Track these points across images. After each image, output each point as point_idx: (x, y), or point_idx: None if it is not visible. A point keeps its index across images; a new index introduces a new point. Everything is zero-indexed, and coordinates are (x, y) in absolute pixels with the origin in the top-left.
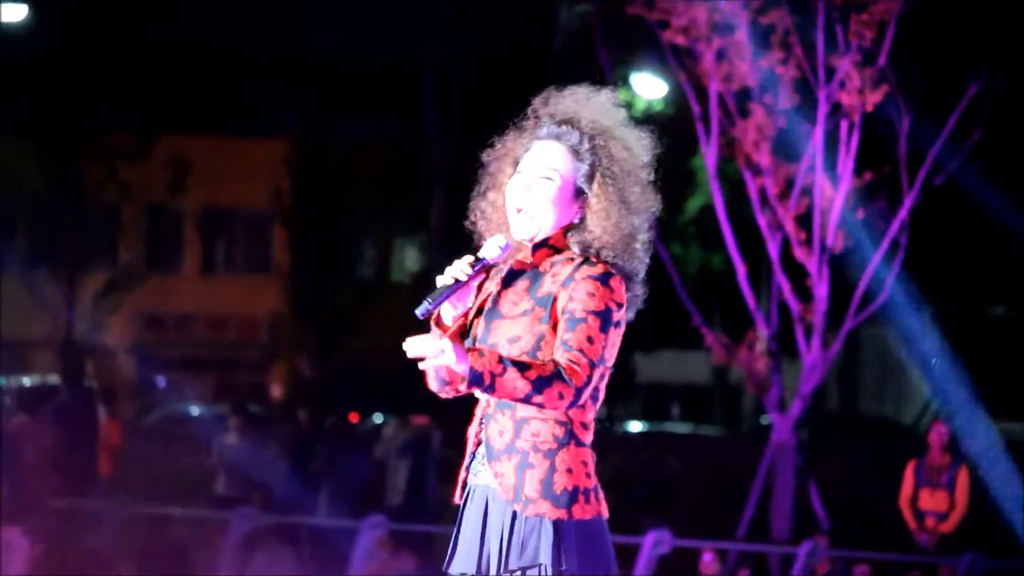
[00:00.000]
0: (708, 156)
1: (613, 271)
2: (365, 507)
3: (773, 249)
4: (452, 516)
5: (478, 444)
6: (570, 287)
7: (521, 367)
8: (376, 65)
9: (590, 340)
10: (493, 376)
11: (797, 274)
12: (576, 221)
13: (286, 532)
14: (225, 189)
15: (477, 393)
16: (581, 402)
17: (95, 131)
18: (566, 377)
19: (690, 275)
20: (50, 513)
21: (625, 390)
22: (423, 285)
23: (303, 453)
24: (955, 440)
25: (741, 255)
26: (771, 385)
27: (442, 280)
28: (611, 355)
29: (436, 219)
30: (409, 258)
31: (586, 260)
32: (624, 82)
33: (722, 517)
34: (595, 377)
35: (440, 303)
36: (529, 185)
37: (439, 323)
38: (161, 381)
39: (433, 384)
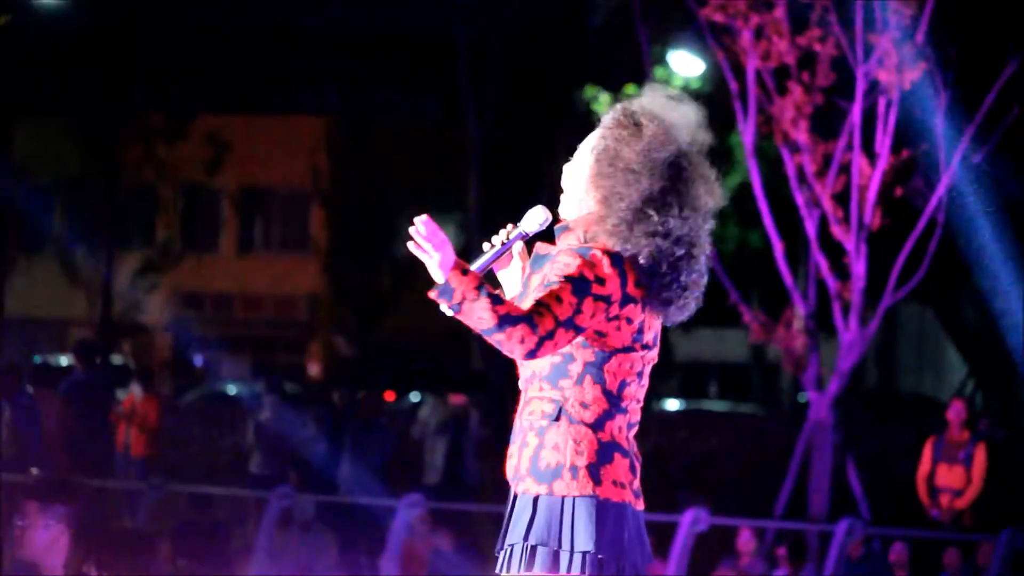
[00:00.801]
0: (746, 134)
1: (596, 246)
2: (401, 485)
3: (811, 227)
4: (488, 495)
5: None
6: (553, 258)
7: (495, 300)
8: (414, 43)
9: (558, 299)
10: (463, 298)
11: (835, 252)
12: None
13: (324, 510)
14: (262, 168)
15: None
16: (539, 354)
17: (132, 111)
18: (532, 324)
19: (728, 252)
20: (82, 491)
21: (662, 368)
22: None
23: (338, 431)
24: (974, 417)
25: (779, 233)
26: (809, 363)
27: (486, 247)
28: (585, 325)
29: (473, 197)
30: (447, 236)
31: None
32: (662, 60)
33: (760, 495)
34: (559, 335)
35: (483, 268)
36: (567, 165)
37: None
38: (199, 360)
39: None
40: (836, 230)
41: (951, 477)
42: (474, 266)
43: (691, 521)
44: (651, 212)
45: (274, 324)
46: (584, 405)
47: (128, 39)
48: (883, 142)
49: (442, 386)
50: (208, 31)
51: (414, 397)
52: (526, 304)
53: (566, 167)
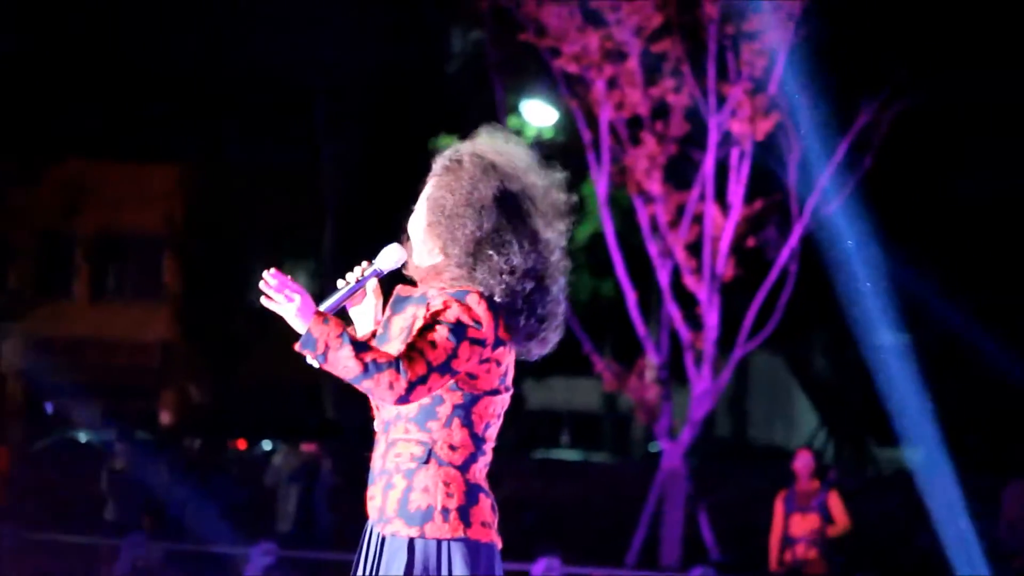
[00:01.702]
0: (599, 184)
1: (473, 290)
2: (254, 533)
3: (663, 277)
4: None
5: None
6: (426, 304)
7: (359, 347)
8: (270, 90)
9: (432, 344)
10: (327, 347)
11: (688, 302)
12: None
13: (177, 558)
14: (117, 214)
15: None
16: (411, 399)
17: None
18: (400, 369)
19: (581, 302)
20: None
21: (514, 417)
22: None
23: (188, 479)
24: (822, 466)
25: (631, 282)
26: (661, 413)
27: (340, 284)
28: (461, 368)
29: (328, 244)
30: (301, 284)
31: (458, 290)
32: (516, 109)
33: (612, 544)
34: (432, 380)
35: (335, 308)
36: (411, 216)
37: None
38: (49, 407)
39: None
40: (689, 280)
41: (805, 525)
42: (326, 304)
43: (543, 570)
44: (490, 252)
45: (127, 371)
46: (452, 447)
47: None
48: (736, 192)
49: (295, 434)
50: (65, 77)
51: (267, 445)
52: (393, 348)
53: (410, 218)
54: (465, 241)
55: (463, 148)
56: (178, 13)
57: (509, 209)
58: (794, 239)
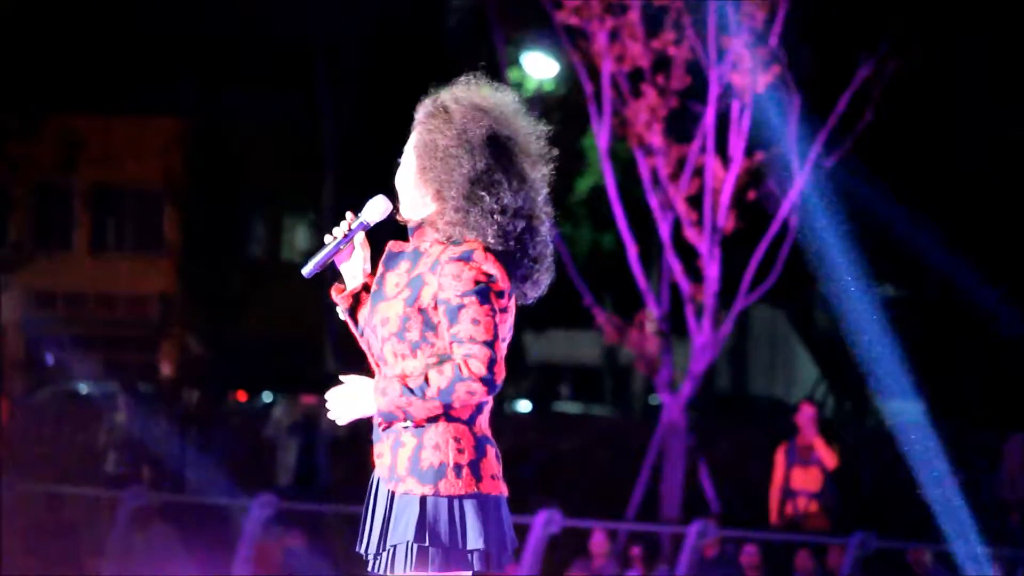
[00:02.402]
0: (600, 136)
1: (477, 246)
2: (253, 485)
3: (664, 230)
4: (341, 495)
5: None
6: (437, 272)
7: (423, 388)
8: (270, 43)
9: (476, 322)
10: (405, 412)
11: (688, 255)
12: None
13: (176, 510)
14: (116, 168)
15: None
16: (499, 384)
17: None
18: (466, 375)
19: (581, 255)
20: None
21: (515, 370)
22: None
23: (187, 431)
24: (824, 419)
25: (632, 235)
26: (662, 366)
27: (327, 240)
28: (503, 327)
29: (327, 198)
30: (300, 237)
31: (453, 241)
32: (516, 62)
33: (612, 497)
34: (498, 354)
35: (322, 264)
36: (398, 169)
37: (337, 284)
38: (49, 359)
39: None
40: (689, 233)
41: (806, 479)
42: (314, 260)
43: (544, 522)
44: (482, 192)
45: (127, 323)
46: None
47: None
48: (736, 145)
49: (295, 386)
50: (62, 29)
51: (267, 397)
52: (391, 308)
53: (398, 170)
54: (461, 181)
55: (445, 95)
56: None
57: (499, 149)
58: (794, 192)
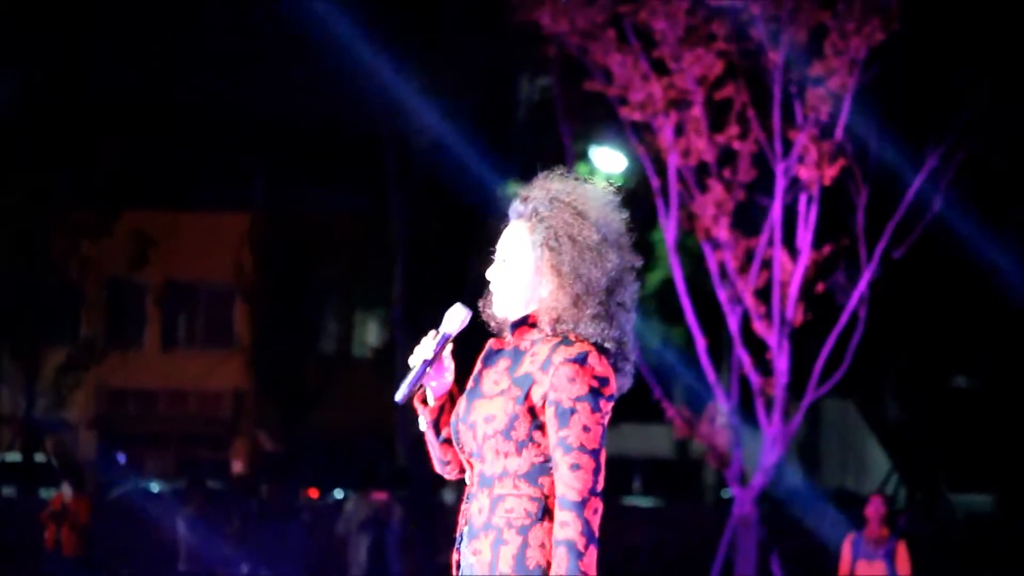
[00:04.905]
0: (667, 230)
1: (589, 347)
2: None
3: (733, 322)
4: None
5: (465, 523)
6: (549, 372)
7: (574, 557)
8: (339, 138)
9: (586, 429)
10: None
11: (757, 347)
12: (543, 296)
13: None
14: (186, 263)
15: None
16: (600, 488)
17: (57, 205)
18: (580, 500)
19: (651, 348)
20: None
21: None
22: (385, 359)
23: (260, 527)
24: (893, 513)
25: (701, 328)
26: (732, 458)
27: (412, 361)
28: (606, 432)
29: (397, 292)
30: (371, 332)
31: (564, 340)
32: (584, 156)
33: None
34: (601, 463)
35: (415, 386)
36: (495, 269)
37: (424, 402)
38: (122, 457)
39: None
40: (758, 326)
41: (871, 572)
42: (405, 383)
43: None
44: (615, 290)
45: (198, 420)
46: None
47: (52, 132)
48: (804, 238)
49: (366, 482)
50: (134, 126)
51: (338, 494)
52: (489, 406)
53: (492, 268)
54: (599, 277)
55: (556, 186)
56: (244, 60)
57: (623, 247)
58: (863, 284)
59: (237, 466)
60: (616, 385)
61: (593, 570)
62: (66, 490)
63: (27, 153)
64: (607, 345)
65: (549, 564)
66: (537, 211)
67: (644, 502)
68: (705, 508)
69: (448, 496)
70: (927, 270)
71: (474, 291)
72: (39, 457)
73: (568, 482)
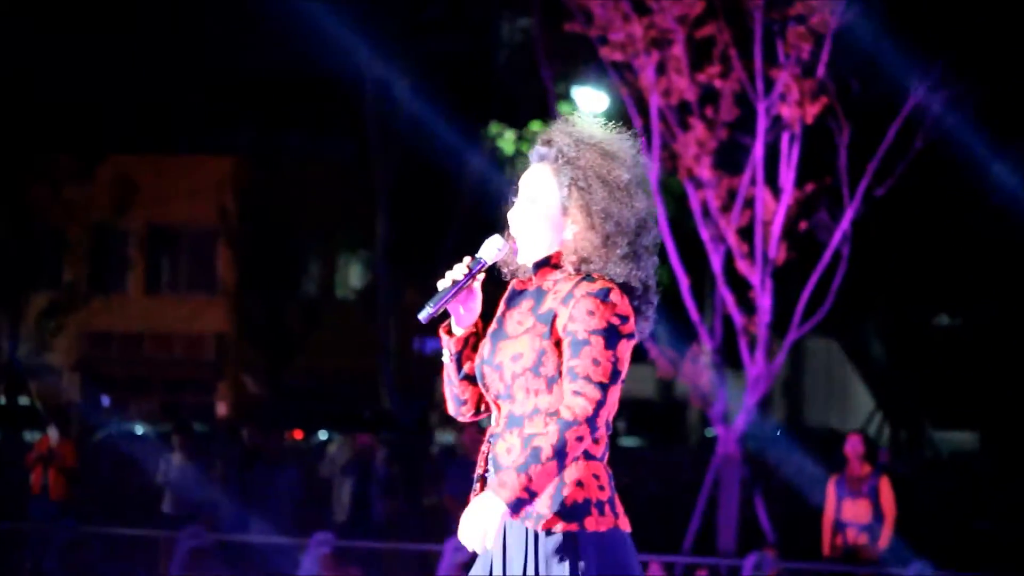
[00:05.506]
0: (650, 170)
1: (613, 285)
2: (310, 523)
3: (716, 262)
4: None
5: (487, 463)
6: (570, 304)
7: (533, 457)
8: (321, 83)
9: (596, 362)
10: (528, 490)
11: (740, 287)
12: (568, 237)
13: (232, 550)
14: (170, 208)
15: (490, 417)
16: (600, 423)
17: (39, 152)
18: (570, 419)
19: None
20: None
21: None
22: (368, 301)
23: (246, 471)
24: (873, 450)
25: (684, 268)
26: (716, 398)
27: (442, 284)
28: (624, 368)
29: (381, 235)
30: (354, 274)
31: (586, 277)
32: (566, 96)
33: (669, 530)
34: (609, 397)
35: (441, 306)
36: (518, 210)
37: (448, 331)
38: (105, 400)
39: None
40: (741, 265)
41: (856, 511)
42: (433, 301)
43: None
44: (643, 230)
45: (182, 364)
46: (595, 440)
47: (35, 81)
48: (787, 176)
49: (350, 425)
50: (115, 73)
51: (322, 436)
52: (514, 346)
53: (515, 210)
54: (631, 219)
55: (580, 129)
56: (227, 8)
57: (645, 190)
58: (845, 222)
59: (221, 409)
60: (638, 327)
61: (541, 486)
62: (52, 433)
63: (8, 98)
64: (634, 284)
65: (586, 500)
66: (563, 152)
67: (629, 442)
68: (689, 448)
69: (435, 440)
70: (910, 209)
71: (458, 231)
72: (23, 400)
73: (567, 403)
